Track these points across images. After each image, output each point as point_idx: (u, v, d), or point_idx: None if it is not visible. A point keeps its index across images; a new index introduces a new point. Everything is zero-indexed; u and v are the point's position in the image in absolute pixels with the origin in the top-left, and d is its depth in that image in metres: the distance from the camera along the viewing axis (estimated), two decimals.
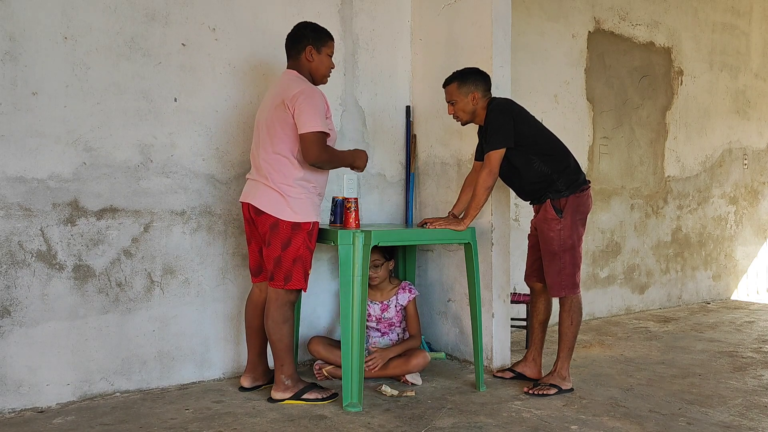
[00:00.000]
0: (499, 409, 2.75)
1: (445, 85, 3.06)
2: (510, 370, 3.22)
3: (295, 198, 2.71)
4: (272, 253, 2.74)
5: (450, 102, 3.05)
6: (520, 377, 3.18)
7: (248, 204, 2.80)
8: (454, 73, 3.06)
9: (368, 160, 2.98)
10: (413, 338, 3.29)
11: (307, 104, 2.65)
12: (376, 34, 3.74)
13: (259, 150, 2.79)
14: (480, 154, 3.18)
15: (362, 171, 2.99)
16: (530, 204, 3.17)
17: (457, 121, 3.09)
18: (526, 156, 2.97)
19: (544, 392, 2.93)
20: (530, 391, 2.94)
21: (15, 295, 2.69)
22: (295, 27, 2.86)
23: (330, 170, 2.92)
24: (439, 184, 3.71)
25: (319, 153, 2.67)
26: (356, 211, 2.96)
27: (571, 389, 3.01)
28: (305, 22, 2.88)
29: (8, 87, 2.65)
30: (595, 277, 4.87)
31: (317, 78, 2.86)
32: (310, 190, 2.76)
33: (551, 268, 2.99)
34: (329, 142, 2.76)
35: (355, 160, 2.90)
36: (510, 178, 3.10)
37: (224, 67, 3.19)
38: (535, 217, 3.11)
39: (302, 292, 2.83)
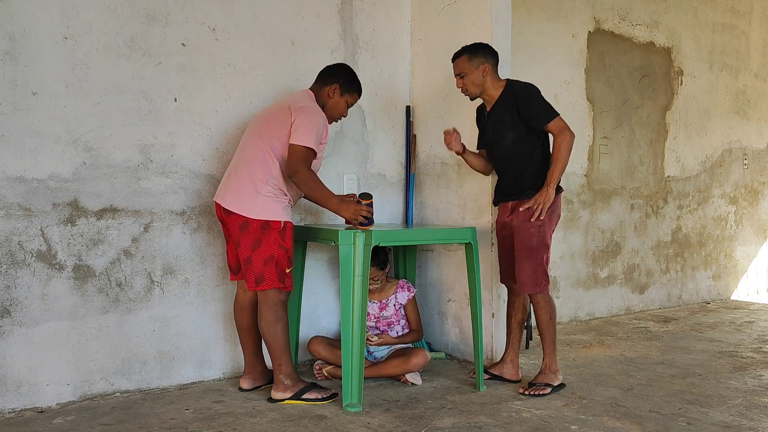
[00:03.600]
0: (499, 409, 2.75)
1: (454, 59, 3.02)
2: (486, 371, 3.16)
3: (264, 196, 2.74)
4: (243, 254, 2.75)
5: (459, 75, 3.00)
6: (495, 378, 3.14)
7: (219, 204, 2.82)
8: (462, 47, 3.03)
9: (357, 213, 2.80)
10: (415, 331, 3.33)
11: (307, 119, 2.73)
12: (376, 34, 3.74)
13: (246, 143, 2.83)
14: (483, 143, 3.15)
15: (347, 217, 2.82)
16: (503, 200, 3.09)
17: (466, 94, 3.04)
18: (533, 141, 2.96)
19: (540, 392, 2.92)
20: (526, 392, 2.93)
21: (15, 295, 2.69)
22: (336, 63, 3.04)
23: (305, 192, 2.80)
24: (439, 184, 3.71)
25: (298, 167, 2.68)
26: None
27: (563, 384, 3.02)
28: (347, 65, 3.03)
29: (8, 87, 2.66)
30: (595, 277, 4.87)
31: (327, 115, 2.92)
32: (279, 192, 2.78)
33: (527, 264, 2.95)
34: (312, 166, 2.78)
35: (341, 209, 2.79)
36: (504, 162, 3.05)
37: (224, 67, 3.19)
38: (509, 215, 3.05)
39: (292, 291, 2.84)
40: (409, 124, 3.86)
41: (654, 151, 5.26)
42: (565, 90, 4.60)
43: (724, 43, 5.79)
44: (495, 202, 3.19)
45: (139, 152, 2.96)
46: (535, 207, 2.90)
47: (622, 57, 4.96)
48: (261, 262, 2.73)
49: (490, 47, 3.03)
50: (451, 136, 3.07)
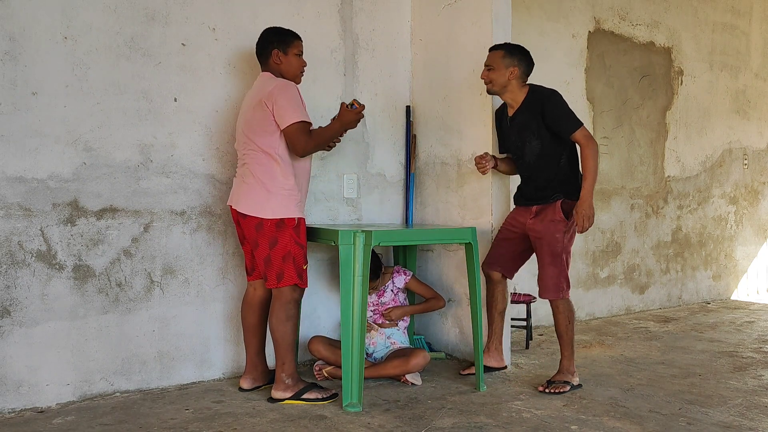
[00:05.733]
0: (499, 409, 2.75)
1: (491, 49, 3.06)
2: (471, 364, 3.22)
3: (276, 194, 2.75)
4: (261, 254, 2.77)
5: (487, 66, 3.03)
6: (485, 370, 3.18)
7: (234, 208, 2.85)
8: (504, 42, 3.09)
9: (357, 124, 2.89)
10: (432, 298, 3.41)
11: (283, 98, 2.72)
12: (376, 34, 3.74)
13: (241, 149, 2.85)
14: (506, 147, 3.17)
15: (355, 127, 2.92)
16: (527, 203, 3.11)
17: (487, 85, 3.06)
18: (559, 149, 2.99)
19: (560, 390, 2.95)
20: (546, 390, 2.95)
21: (15, 295, 2.69)
22: (260, 34, 2.93)
23: (329, 149, 3.08)
24: (439, 184, 3.71)
25: (306, 143, 2.75)
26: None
27: (580, 385, 3.05)
28: (269, 27, 2.96)
29: (8, 87, 2.65)
30: (595, 277, 4.87)
31: (289, 78, 2.90)
32: (290, 188, 2.79)
33: (550, 270, 2.99)
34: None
35: (343, 125, 2.87)
36: (531, 169, 3.07)
37: (224, 67, 3.19)
38: (531, 218, 3.06)
39: (305, 289, 2.85)
40: (409, 124, 3.85)
41: (654, 151, 5.26)
42: (565, 90, 4.53)
43: (724, 43, 5.78)
44: (516, 203, 3.21)
45: (139, 152, 2.96)
46: (580, 223, 2.96)
47: (622, 57, 4.96)
48: (280, 260, 2.74)
49: (529, 55, 3.05)
50: (485, 161, 3.11)
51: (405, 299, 3.40)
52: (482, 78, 3.07)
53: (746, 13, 5.98)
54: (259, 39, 2.93)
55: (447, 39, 3.61)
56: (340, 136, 2.97)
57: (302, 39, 2.97)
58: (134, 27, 2.94)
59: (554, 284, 3.00)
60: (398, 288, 3.34)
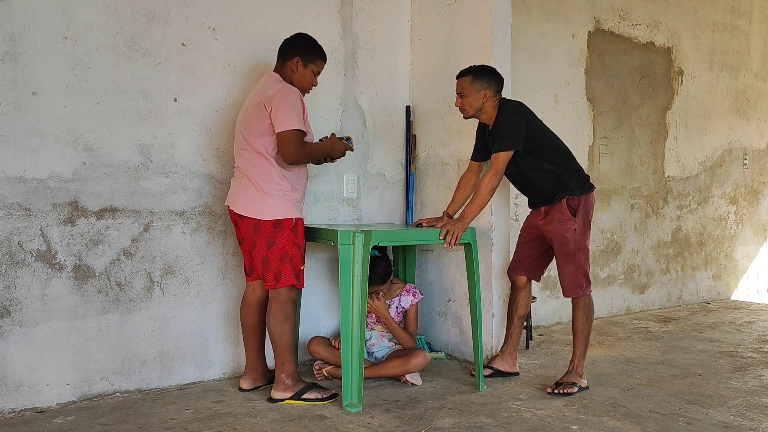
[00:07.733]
0: (499, 409, 2.75)
1: (458, 77, 3.03)
2: (487, 367, 3.21)
3: (272, 195, 2.74)
4: (259, 254, 2.77)
5: (459, 94, 3.01)
6: (497, 373, 3.19)
7: (231, 209, 2.85)
8: (470, 66, 3.04)
9: (346, 153, 3.00)
10: (410, 336, 3.28)
11: (282, 103, 2.70)
12: (376, 34, 3.74)
13: (237, 149, 2.85)
14: (478, 155, 3.18)
15: (339, 157, 2.98)
16: (535, 207, 3.13)
17: (462, 113, 3.05)
18: (535, 160, 2.98)
19: (568, 391, 2.94)
20: (555, 391, 2.95)
21: (15, 295, 2.69)
22: (293, 35, 2.92)
23: (317, 165, 3.08)
24: (439, 184, 3.71)
25: (296, 152, 2.71)
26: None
27: (587, 387, 3.04)
28: (304, 34, 2.94)
29: (8, 87, 2.65)
30: (595, 277, 4.86)
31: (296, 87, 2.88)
32: (287, 188, 2.78)
33: (568, 268, 3.01)
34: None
35: (332, 152, 2.93)
36: (518, 181, 3.10)
37: (224, 67, 3.19)
38: (542, 219, 3.07)
39: (302, 290, 2.85)
40: (409, 124, 3.86)
41: (654, 151, 5.26)
42: (565, 90, 4.60)
43: (724, 43, 5.79)
44: (528, 206, 3.23)
45: (139, 152, 2.96)
46: (448, 237, 2.89)
47: (622, 57, 4.96)
48: (277, 261, 2.74)
49: (496, 72, 3.03)
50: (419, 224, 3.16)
51: (403, 320, 3.35)
52: (456, 106, 3.05)
53: (746, 13, 5.98)
54: (287, 40, 2.90)
55: (447, 39, 3.61)
56: (328, 161, 2.98)
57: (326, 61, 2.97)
58: (134, 27, 2.94)
59: (573, 282, 3.01)
60: (403, 307, 3.31)
